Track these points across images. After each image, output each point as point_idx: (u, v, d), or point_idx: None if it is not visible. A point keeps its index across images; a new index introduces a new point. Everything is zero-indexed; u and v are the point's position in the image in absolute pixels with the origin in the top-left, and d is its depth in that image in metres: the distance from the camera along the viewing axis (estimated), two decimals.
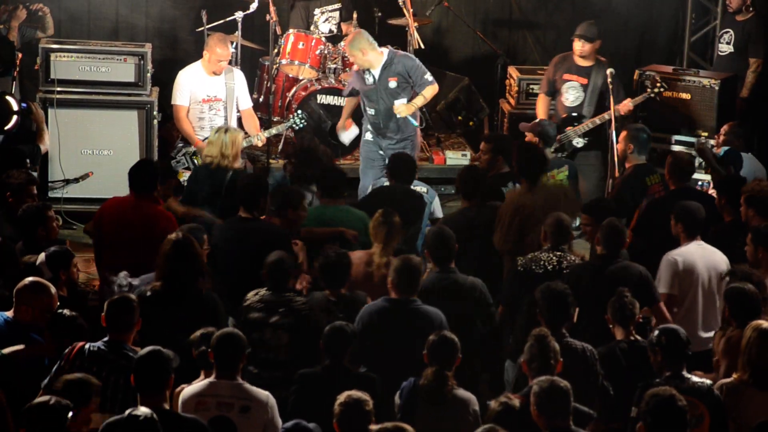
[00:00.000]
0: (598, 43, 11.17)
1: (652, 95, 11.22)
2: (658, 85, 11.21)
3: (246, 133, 10.61)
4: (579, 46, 11.12)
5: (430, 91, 10.66)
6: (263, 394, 6.43)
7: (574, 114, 11.10)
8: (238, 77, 11.02)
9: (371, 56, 10.51)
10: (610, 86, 10.89)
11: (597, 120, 11.01)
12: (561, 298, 7.07)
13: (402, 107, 10.52)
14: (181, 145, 10.96)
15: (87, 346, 6.40)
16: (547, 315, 7.03)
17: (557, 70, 11.26)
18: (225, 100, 10.87)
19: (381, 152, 10.72)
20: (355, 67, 10.90)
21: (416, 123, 10.73)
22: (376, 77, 10.60)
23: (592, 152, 11.10)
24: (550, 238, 8.03)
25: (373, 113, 10.69)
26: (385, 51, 10.65)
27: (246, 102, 11.07)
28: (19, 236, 8.15)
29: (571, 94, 11.20)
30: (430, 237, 7.98)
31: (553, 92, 11.31)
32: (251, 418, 6.33)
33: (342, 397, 6.01)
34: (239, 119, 11.12)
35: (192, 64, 11.05)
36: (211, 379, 6.40)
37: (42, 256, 7.49)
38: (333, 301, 7.53)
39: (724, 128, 10.37)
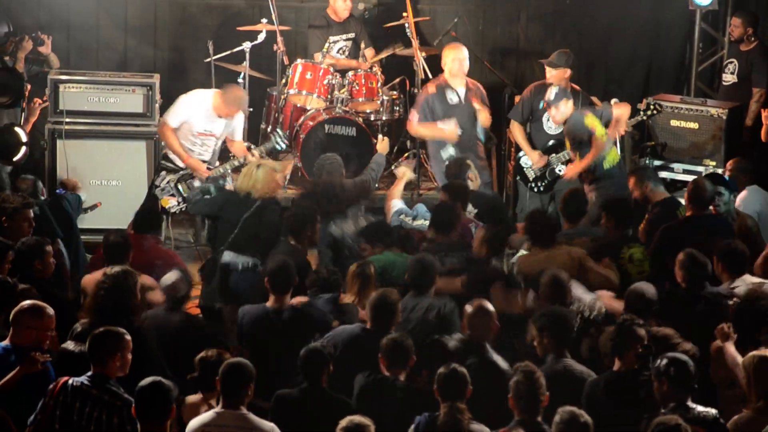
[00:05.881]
0: (568, 72, 11.20)
1: (644, 118, 11.21)
2: (651, 107, 11.19)
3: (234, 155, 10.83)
4: (546, 73, 11.22)
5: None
6: (268, 425, 6.42)
7: (552, 142, 11.13)
8: (239, 117, 10.85)
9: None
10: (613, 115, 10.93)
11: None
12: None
13: (484, 115, 11.07)
14: (164, 173, 10.80)
15: (70, 381, 6.35)
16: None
17: (536, 99, 11.30)
18: (219, 136, 10.79)
19: None
20: (431, 90, 11.10)
21: (483, 137, 11.32)
22: (462, 96, 11.00)
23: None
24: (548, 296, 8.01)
25: (460, 132, 10.95)
26: None
27: (239, 136, 10.96)
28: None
29: (554, 123, 11.21)
30: (412, 265, 8.12)
31: (527, 120, 11.38)
32: None
33: (344, 422, 6.02)
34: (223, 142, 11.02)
35: (203, 92, 10.84)
36: (217, 409, 6.41)
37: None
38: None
39: (729, 164, 10.32)
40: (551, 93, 10.91)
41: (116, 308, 7.06)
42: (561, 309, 7.55)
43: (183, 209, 10.76)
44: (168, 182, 10.73)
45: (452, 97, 11.02)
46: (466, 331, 7.41)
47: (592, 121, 10.46)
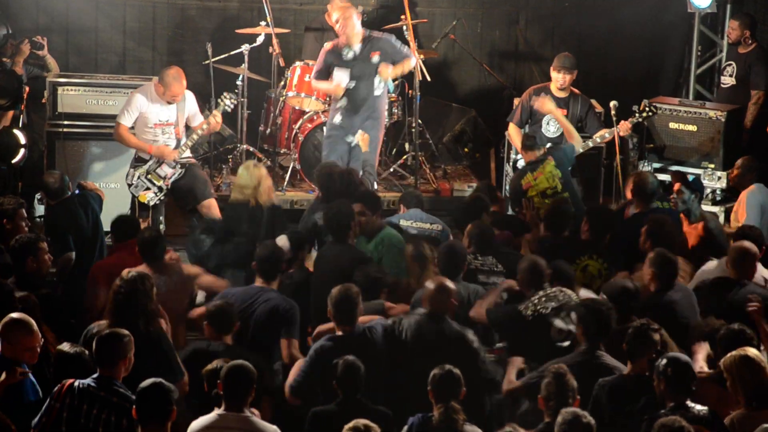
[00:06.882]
0: (575, 74, 11.26)
1: (640, 119, 11.20)
2: (648, 109, 11.20)
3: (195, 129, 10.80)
4: (560, 77, 11.22)
5: (408, 62, 11.20)
6: (271, 428, 6.42)
7: (550, 145, 11.08)
8: (189, 99, 10.80)
9: (359, 28, 11.10)
10: (614, 118, 10.92)
11: (580, 149, 11.03)
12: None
13: (385, 70, 11.01)
14: (131, 170, 10.75)
15: (76, 383, 6.35)
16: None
17: (535, 102, 11.29)
18: (176, 123, 10.75)
19: (348, 138, 11.07)
20: (328, 47, 11.22)
21: (392, 88, 11.62)
22: (357, 52, 11.05)
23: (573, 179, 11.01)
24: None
25: (353, 87, 11.04)
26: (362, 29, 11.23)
27: (198, 117, 10.88)
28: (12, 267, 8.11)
29: (553, 126, 11.24)
30: (441, 253, 8.18)
31: (525, 123, 11.38)
32: None
33: (351, 424, 6.03)
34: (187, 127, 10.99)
35: (147, 87, 10.74)
36: (220, 411, 6.39)
37: None
38: None
39: (739, 162, 10.33)
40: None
41: (133, 312, 7.04)
42: (602, 302, 7.45)
43: (162, 198, 10.75)
44: (138, 177, 10.70)
45: (347, 53, 11.10)
46: (426, 305, 7.52)
47: (527, 180, 10.37)
